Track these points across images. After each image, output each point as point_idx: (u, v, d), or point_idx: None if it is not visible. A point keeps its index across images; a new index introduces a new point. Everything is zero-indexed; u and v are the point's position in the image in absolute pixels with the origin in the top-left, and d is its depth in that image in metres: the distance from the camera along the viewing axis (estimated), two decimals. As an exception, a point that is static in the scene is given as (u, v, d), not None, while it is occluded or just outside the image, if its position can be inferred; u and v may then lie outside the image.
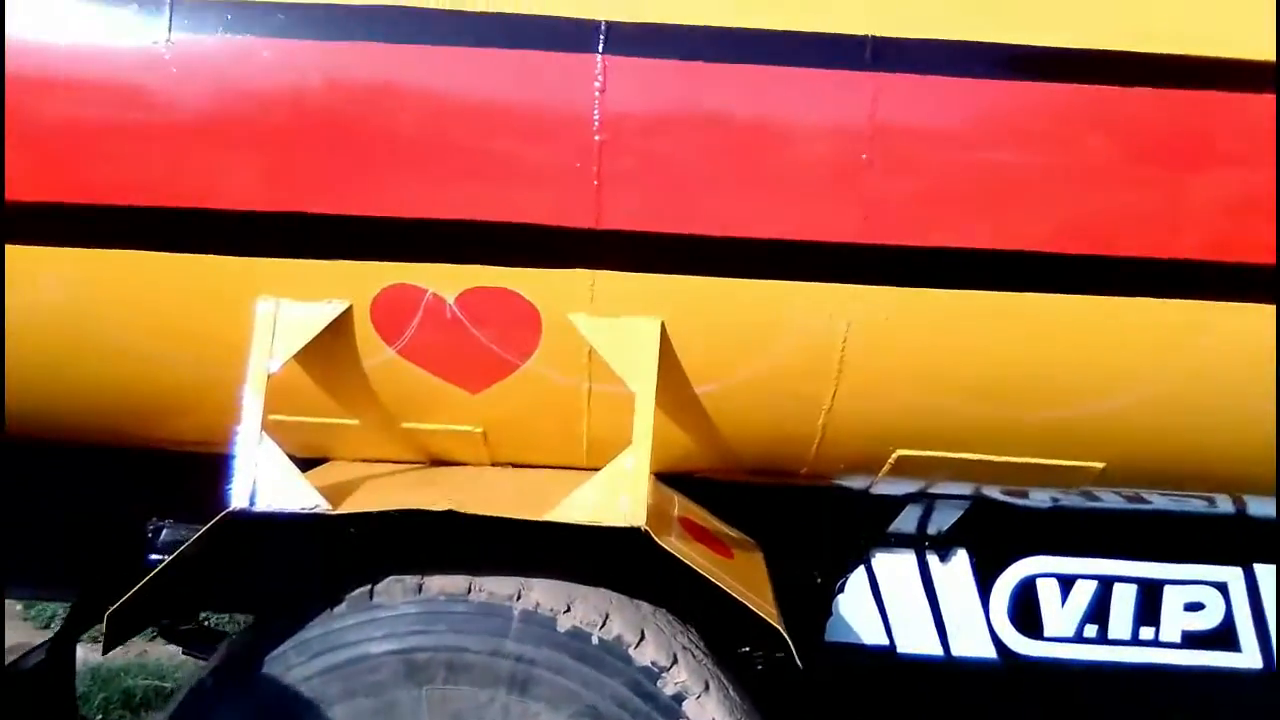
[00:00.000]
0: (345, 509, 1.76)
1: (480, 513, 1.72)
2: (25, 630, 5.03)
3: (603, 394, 1.93)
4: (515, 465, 2.17)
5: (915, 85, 1.76)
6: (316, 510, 1.73)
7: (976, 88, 1.77)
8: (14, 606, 4.93)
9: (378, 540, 2.02)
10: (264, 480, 1.75)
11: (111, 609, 1.75)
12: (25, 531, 2.42)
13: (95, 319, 1.91)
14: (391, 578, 1.96)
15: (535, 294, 1.83)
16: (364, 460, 2.18)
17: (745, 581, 1.85)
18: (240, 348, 1.86)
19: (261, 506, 1.74)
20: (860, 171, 1.74)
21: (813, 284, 1.79)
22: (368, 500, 1.83)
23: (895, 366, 1.86)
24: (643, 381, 1.78)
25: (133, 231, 1.83)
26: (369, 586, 1.96)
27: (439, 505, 1.72)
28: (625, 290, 1.81)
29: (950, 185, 1.76)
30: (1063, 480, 2.08)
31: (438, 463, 2.18)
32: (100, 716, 4.21)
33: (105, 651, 1.73)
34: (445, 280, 1.82)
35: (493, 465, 2.17)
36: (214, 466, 2.25)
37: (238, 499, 1.73)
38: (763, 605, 1.79)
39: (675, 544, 1.74)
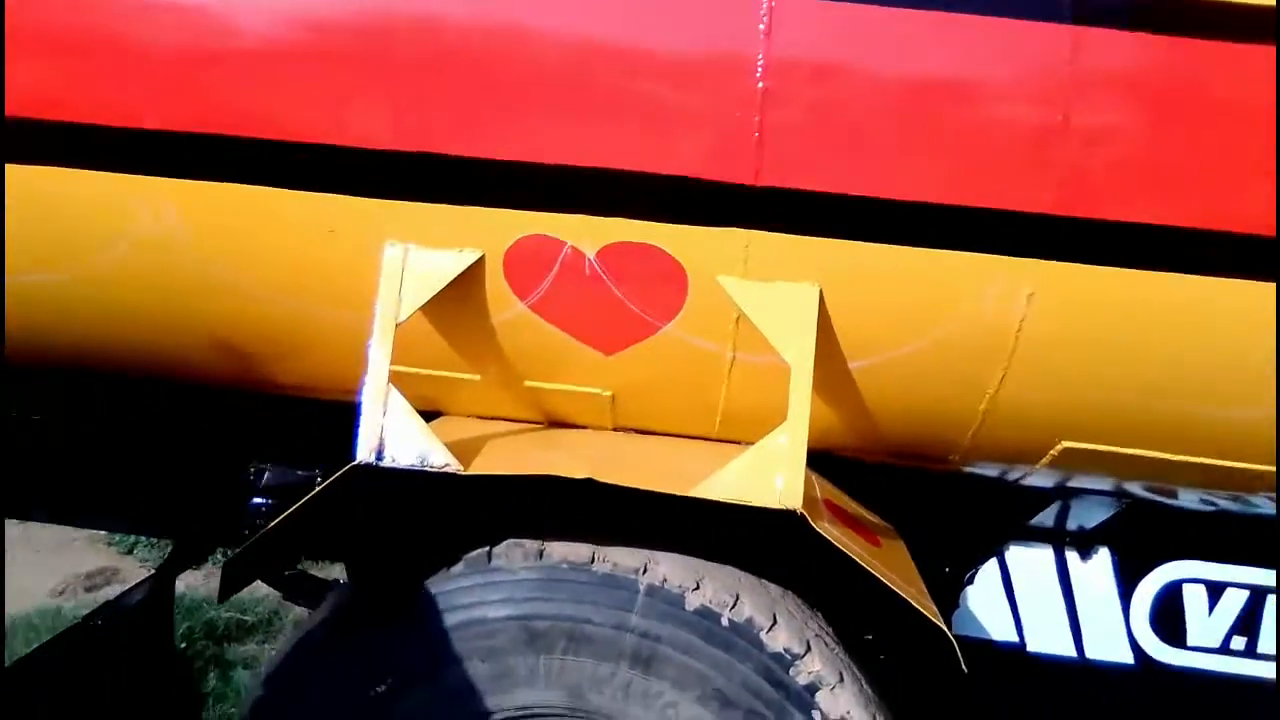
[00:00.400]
0: (477, 470, 1.65)
1: (623, 484, 1.60)
2: (109, 555, 5.13)
3: (746, 364, 1.80)
4: (637, 432, 2.06)
5: (1118, 41, 1.58)
6: (446, 469, 1.63)
7: (1187, 46, 1.59)
8: (97, 533, 5.01)
9: (488, 499, 1.93)
10: (391, 435, 1.65)
11: (228, 559, 1.67)
12: (124, 468, 2.39)
13: (212, 255, 1.82)
14: (510, 541, 1.87)
15: (683, 252, 1.69)
16: (476, 417, 2.08)
17: (896, 573, 1.72)
18: (362, 293, 1.76)
19: (388, 462, 1.64)
20: (1055, 135, 1.57)
21: (992, 256, 1.63)
22: (499, 462, 1.72)
23: (1075, 351, 1.69)
24: (799, 353, 1.64)
25: (254, 166, 1.72)
26: (486, 549, 1.87)
27: (577, 473, 1.61)
28: (782, 253, 1.67)
29: (1156, 154, 1.58)
30: (1241, 484, 1.91)
31: (555, 424, 2.07)
32: (184, 646, 4.25)
33: (221, 600, 1.66)
34: (586, 233, 1.69)
35: (613, 430, 2.06)
36: (312, 411, 2.19)
37: (363, 452, 1.64)
38: (927, 604, 1.66)
39: (830, 530, 1.61)
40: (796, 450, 1.61)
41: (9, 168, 1.76)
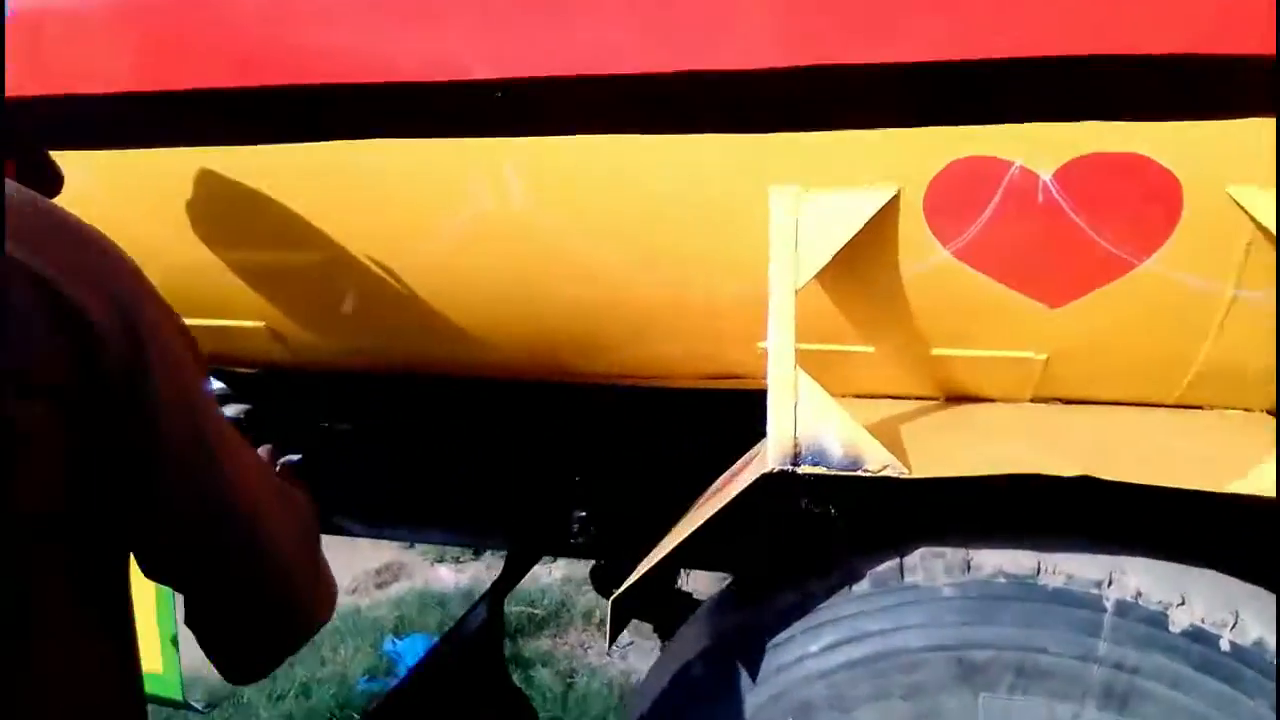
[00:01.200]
0: (928, 471, 1.27)
1: (1132, 480, 1.19)
2: (393, 550, 5.15)
3: (1250, 304, 1.34)
4: (1061, 402, 1.63)
5: None
6: (885, 473, 1.27)
7: None
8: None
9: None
10: (808, 431, 1.29)
11: (617, 595, 1.38)
12: (444, 477, 2.18)
13: (560, 223, 1.52)
14: (925, 550, 1.49)
15: (1179, 160, 1.25)
16: (853, 395, 1.71)
17: None
18: (736, 254, 1.43)
19: (809, 467, 1.28)
20: None
21: None
22: (941, 458, 1.34)
23: None
24: (1366, 284, 1.18)
25: (600, 110, 1.41)
26: (896, 560, 1.50)
27: (1066, 470, 1.21)
28: (1325, 149, 1.21)
29: None
30: None
31: (952, 398, 1.68)
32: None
33: (611, 641, 1.37)
34: (1043, 147, 1.28)
35: (1030, 401, 1.64)
36: (644, 406, 1.89)
37: (775, 455, 1.29)
38: None
39: None
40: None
41: (320, 146, 1.53)
